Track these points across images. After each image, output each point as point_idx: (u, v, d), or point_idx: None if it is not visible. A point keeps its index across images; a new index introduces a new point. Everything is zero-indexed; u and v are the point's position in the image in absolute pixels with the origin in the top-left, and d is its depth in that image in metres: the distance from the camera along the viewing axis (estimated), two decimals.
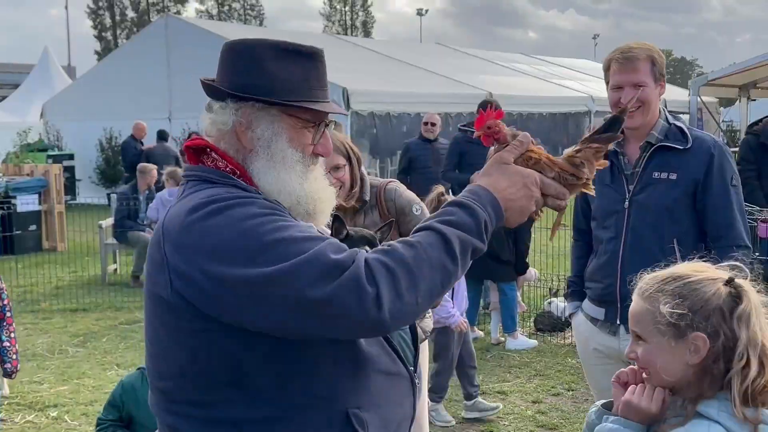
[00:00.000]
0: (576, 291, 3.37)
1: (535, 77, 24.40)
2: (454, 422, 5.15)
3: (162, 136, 14.41)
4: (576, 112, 22.20)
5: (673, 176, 3.06)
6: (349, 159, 3.25)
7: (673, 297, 1.70)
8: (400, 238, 1.65)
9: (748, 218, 6.72)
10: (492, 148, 1.88)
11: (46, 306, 8.57)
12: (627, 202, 3.07)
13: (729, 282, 1.70)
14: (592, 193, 1.93)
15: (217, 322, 1.62)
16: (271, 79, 1.76)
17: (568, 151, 1.91)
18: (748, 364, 1.64)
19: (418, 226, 1.67)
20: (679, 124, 3.16)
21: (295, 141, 1.78)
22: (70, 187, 17.91)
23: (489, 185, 1.70)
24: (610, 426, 1.73)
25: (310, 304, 1.53)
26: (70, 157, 19.00)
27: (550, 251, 8.07)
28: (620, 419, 1.73)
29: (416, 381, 1.85)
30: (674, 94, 27.82)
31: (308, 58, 1.81)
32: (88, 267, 10.48)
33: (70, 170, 18.30)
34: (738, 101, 31.20)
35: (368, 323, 1.53)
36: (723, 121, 30.02)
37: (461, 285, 5.19)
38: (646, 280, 1.77)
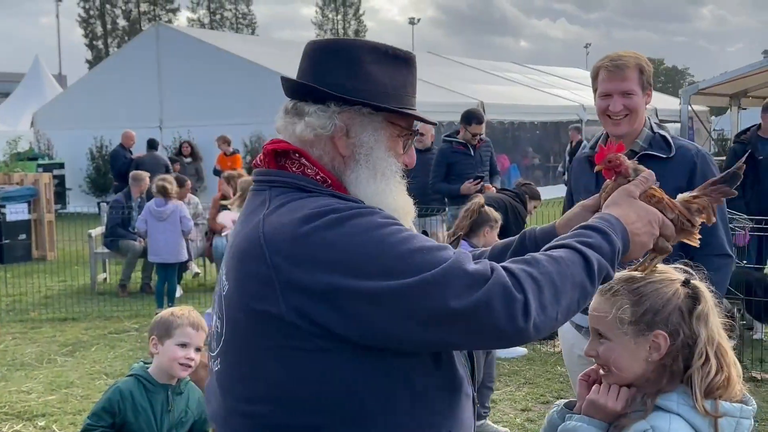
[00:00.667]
0: None
1: (526, 86, 24.47)
2: (508, 431, 5.04)
3: (152, 144, 14.33)
4: (567, 120, 22.24)
5: (657, 185, 3.04)
6: None
7: (635, 296, 1.76)
8: (542, 252, 1.60)
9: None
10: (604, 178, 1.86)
11: (35, 315, 8.49)
12: None
13: (686, 283, 1.78)
14: (696, 243, 1.90)
15: (338, 341, 1.53)
16: (375, 83, 1.67)
17: (684, 195, 1.93)
18: (707, 361, 1.71)
19: (553, 243, 1.64)
20: (663, 132, 3.17)
21: (392, 150, 1.71)
22: (61, 195, 17.83)
23: (620, 216, 1.69)
24: (573, 424, 1.76)
25: (457, 314, 1.47)
26: (61, 165, 18.93)
27: None
28: (584, 417, 1.76)
29: (476, 400, 1.81)
30: (665, 103, 27.96)
31: (406, 64, 1.74)
32: (77, 276, 10.41)
33: (60, 179, 18.23)
34: (729, 110, 31.42)
35: (513, 331, 1.48)
36: (714, 129, 30.18)
37: None
38: (617, 279, 1.79)
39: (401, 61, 1.73)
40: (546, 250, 1.61)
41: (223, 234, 9.26)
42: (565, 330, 3.34)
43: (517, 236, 1.99)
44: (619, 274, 1.81)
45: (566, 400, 1.89)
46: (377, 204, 1.66)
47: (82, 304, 8.92)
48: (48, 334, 7.68)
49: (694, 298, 1.75)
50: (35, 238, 12.31)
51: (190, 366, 3.16)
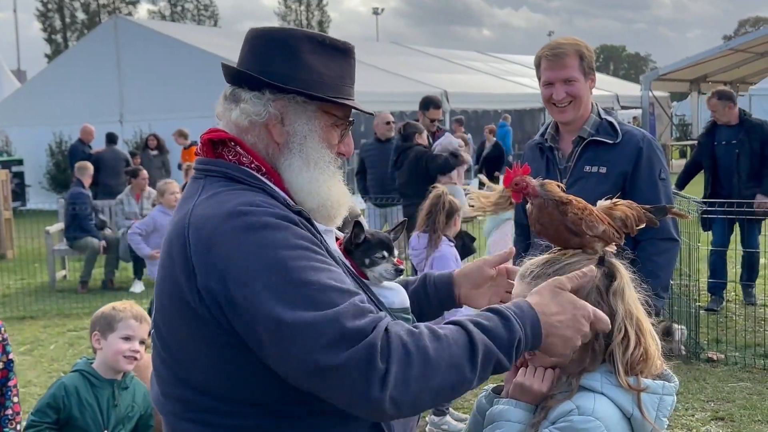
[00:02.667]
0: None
1: (490, 75, 24.54)
2: (467, 417, 5.02)
3: (111, 139, 14.13)
4: (531, 108, 22.37)
5: (603, 170, 3.11)
6: None
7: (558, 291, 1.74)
8: (430, 325, 1.55)
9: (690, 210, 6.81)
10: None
11: None
12: None
13: (601, 260, 1.78)
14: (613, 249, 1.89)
15: (240, 338, 1.54)
16: (310, 72, 1.68)
17: (604, 203, 1.90)
18: (626, 335, 1.71)
19: (451, 320, 1.58)
20: (610, 119, 3.21)
21: (326, 141, 1.71)
22: (20, 193, 17.53)
23: (537, 305, 1.60)
24: (501, 407, 1.76)
25: (317, 368, 1.44)
26: (20, 162, 18.61)
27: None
28: (510, 400, 1.77)
29: None
30: (627, 89, 28.26)
31: (344, 54, 1.74)
32: (36, 274, 10.24)
33: (19, 176, 17.93)
34: (689, 95, 31.87)
35: (365, 399, 1.43)
36: (675, 115, 30.61)
37: None
38: (527, 265, 1.82)
39: (339, 52, 1.74)
40: (446, 324, 1.58)
41: None
42: None
43: (420, 276, 2.01)
44: (536, 258, 1.82)
45: (494, 385, 1.89)
46: (308, 192, 1.68)
47: (40, 302, 8.78)
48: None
49: (610, 275, 1.75)
50: None
51: (135, 358, 3.14)
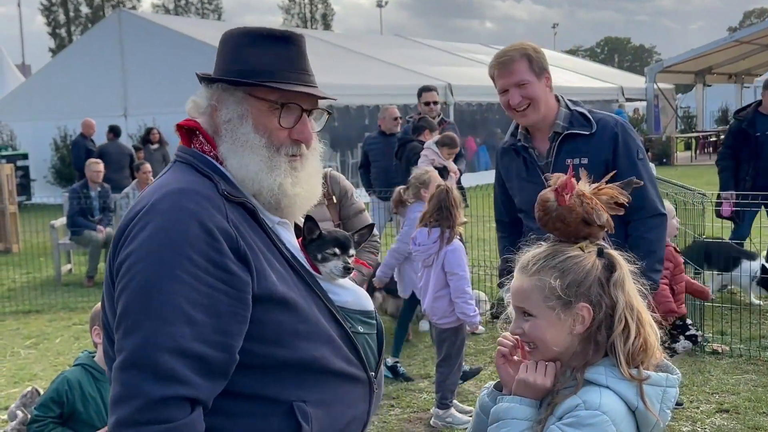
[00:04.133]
0: (509, 279, 3.45)
1: None
2: (472, 410, 5.02)
3: (115, 132, 14.14)
4: None
5: (585, 160, 3.19)
6: None
7: (558, 271, 1.76)
8: None
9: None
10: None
11: None
12: None
13: (600, 253, 1.79)
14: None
15: None
16: (242, 63, 1.77)
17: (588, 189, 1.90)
18: (627, 326, 1.73)
19: None
20: (580, 109, 3.29)
21: (261, 125, 1.76)
22: (25, 187, 17.55)
23: None
24: (506, 405, 1.76)
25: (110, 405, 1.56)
26: (24, 156, 18.62)
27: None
28: (515, 397, 1.76)
29: (375, 387, 1.85)
30: (631, 82, 28.15)
31: (281, 42, 1.80)
32: (42, 268, 10.27)
33: (24, 170, 17.93)
34: (694, 87, 31.70)
35: None
36: (680, 107, 30.53)
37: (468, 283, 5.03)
38: (528, 257, 1.82)
39: (278, 41, 1.80)
40: None
41: None
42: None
43: None
44: (537, 251, 1.83)
45: (495, 381, 1.88)
46: (242, 177, 1.75)
47: (46, 296, 8.80)
48: (11, 327, 7.58)
49: (610, 266, 1.77)
50: None
51: None
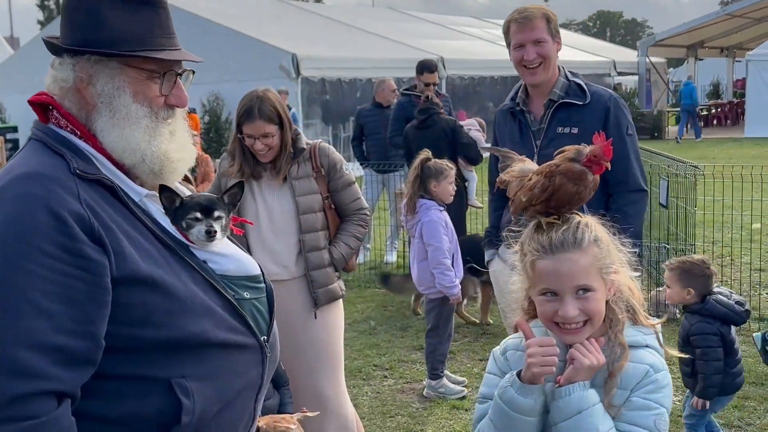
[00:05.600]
0: (492, 240, 3.59)
1: (486, 41, 24.38)
2: (465, 381, 5.09)
3: None
4: None
5: (575, 130, 3.27)
6: (280, 124, 3.41)
7: (596, 240, 1.78)
8: None
9: None
10: None
11: None
12: (536, 157, 3.17)
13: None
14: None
15: None
16: (108, 30, 1.68)
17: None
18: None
19: None
20: (578, 81, 3.39)
21: (141, 95, 1.71)
22: None
23: None
24: (578, 395, 1.70)
25: None
26: (14, 129, 18.49)
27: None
28: (581, 384, 1.71)
29: (267, 351, 1.82)
30: (624, 56, 28.09)
31: (148, 6, 1.73)
32: None
33: (13, 143, 17.81)
34: (686, 61, 31.63)
35: None
36: (671, 81, 30.50)
37: (458, 254, 5.03)
38: (572, 234, 1.76)
39: (144, 4, 1.72)
40: None
41: None
42: (497, 268, 3.56)
43: None
44: (569, 225, 1.78)
45: (514, 374, 1.76)
46: (122, 150, 1.70)
47: None
48: None
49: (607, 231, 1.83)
50: None
51: None
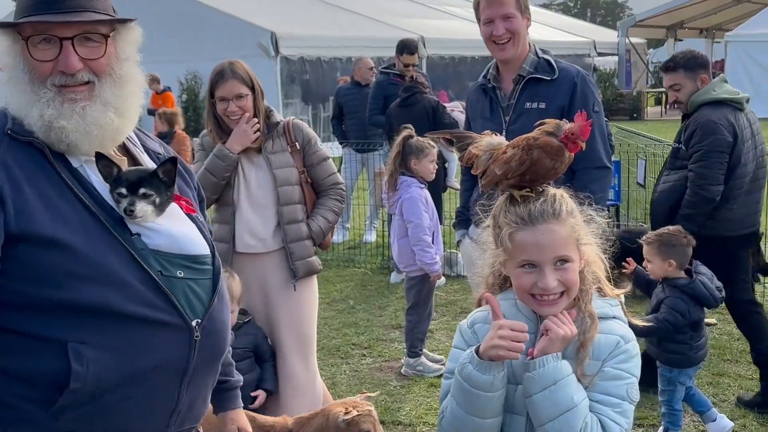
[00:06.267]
0: (462, 220, 3.62)
1: (468, 20, 24.25)
2: (444, 359, 5.09)
3: None
4: None
5: (542, 105, 3.31)
6: (252, 89, 3.41)
7: (571, 211, 1.79)
8: None
9: None
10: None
11: None
12: (504, 133, 3.18)
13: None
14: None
15: None
16: (18, 3, 1.75)
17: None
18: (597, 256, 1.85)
19: None
20: (547, 57, 3.43)
21: (28, 62, 1.74)
22: None
23: None
24: (552, 366, 1.71)
25: None
26: None
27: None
28: (553, 356, 1.72)
29: (196, 334, 1.76)
30: (604, 36, 28.11)
31: None
32: None
33: None
34: (666, 42, 31.73)
35: None
36: (651, 62, 30.57)
37: (439, 231, 5.03)
38: (549, 205, 1.77)
39: None
40: None
41: None
42: (467, 246, 3.57)
43: None
44: (545, 197, 1.79)
45: (473, 350, 1.76)
46: (22, 118, 1.73)
47: None
48: None
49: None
50: None
51: None
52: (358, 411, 2.95)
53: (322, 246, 3.69)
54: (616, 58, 26.36)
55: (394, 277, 6.99)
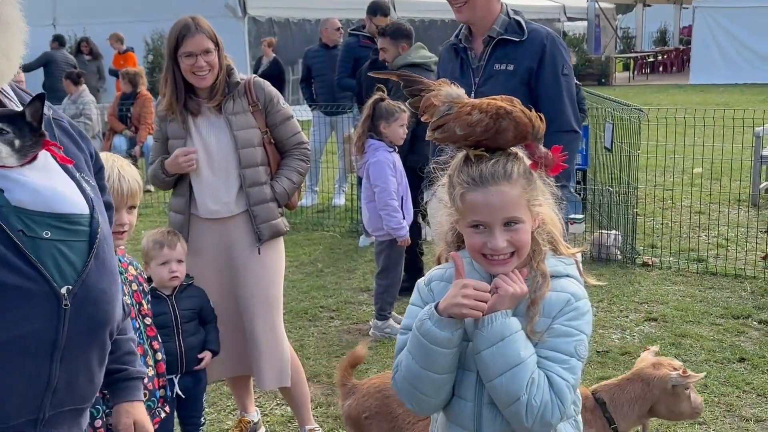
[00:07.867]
0: (432, 180, 3.58)
1: None
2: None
3: (60, 41, 13.84)
4: None
5: (511, 67, 3.28)
6: (216, 45, 3.35)
7: (527, 173, 1.81)
8: None
9: None
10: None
11: None
12: (473, 94, 3.16)
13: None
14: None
15: None
16: None
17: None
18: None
19: None
20: (518, 18, 3.38)
21: None
22: None
23: None
24: (501, 322, 1.73)
25: None
26: None
27: None
28: (503, 312, 1.74)
29: (65, 302, 1.54)
30: (574, 1, 28.08)
31: None
32: None
33: None
34: (635, 8, 31.77)
35: None
36: (620, 27, 30.66)
37: (408, 196, 4.98)
38: (501, 167, 1.77)
39: None
40: None
41: (123, 132, 9.09)
42: (434, 207, 3.55)
43: None
44: (499, 159, 1.79)
45: (432, 307, 1.77)
46: None
47: None
48: None
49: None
50: None
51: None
52: (674, 368, 2.75)
53: (289, 206, 3.64)
54: (585, 23, 26.39)
55: (362, 241, 7.00)
